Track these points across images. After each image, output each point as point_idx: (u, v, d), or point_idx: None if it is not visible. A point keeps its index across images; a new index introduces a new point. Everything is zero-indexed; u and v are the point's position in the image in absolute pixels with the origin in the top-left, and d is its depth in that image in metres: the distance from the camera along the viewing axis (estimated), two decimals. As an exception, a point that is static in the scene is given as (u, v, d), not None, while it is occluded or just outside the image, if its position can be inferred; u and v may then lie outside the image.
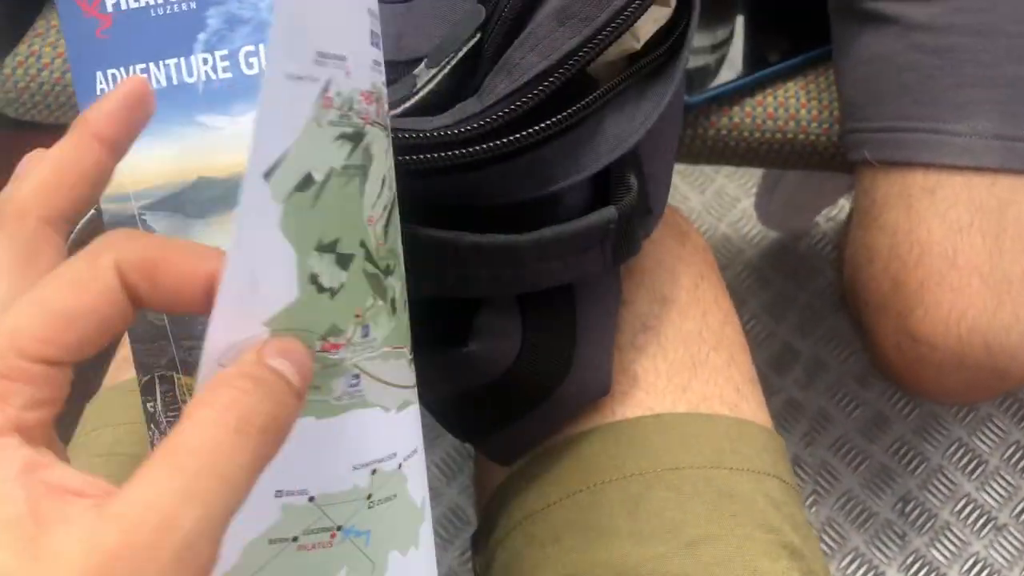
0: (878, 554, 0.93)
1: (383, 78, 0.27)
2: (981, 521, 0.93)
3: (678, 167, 0.85)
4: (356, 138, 0.25)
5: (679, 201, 1.09)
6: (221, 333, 0.23)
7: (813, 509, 0.94)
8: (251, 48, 0.31)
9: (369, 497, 0.27)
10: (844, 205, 1.06)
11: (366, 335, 0.26)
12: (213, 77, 0.31)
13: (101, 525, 0.18)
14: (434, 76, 0.34)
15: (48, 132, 0.59)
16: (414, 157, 0.31)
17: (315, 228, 0.24)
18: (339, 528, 0.27)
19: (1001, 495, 0.94)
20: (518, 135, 0.31)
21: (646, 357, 0.43)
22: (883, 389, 0.99)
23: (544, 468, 0.42)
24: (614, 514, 0.39)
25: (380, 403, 0.27)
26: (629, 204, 0.35)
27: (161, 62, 0.30)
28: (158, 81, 0.30)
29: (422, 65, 0.34)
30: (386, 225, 0.27)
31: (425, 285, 0.34)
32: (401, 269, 0.28)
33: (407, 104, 0.34)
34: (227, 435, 0.20)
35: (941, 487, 0.95)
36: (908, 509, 0.94)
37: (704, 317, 0.45)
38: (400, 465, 0.28)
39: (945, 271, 0.50)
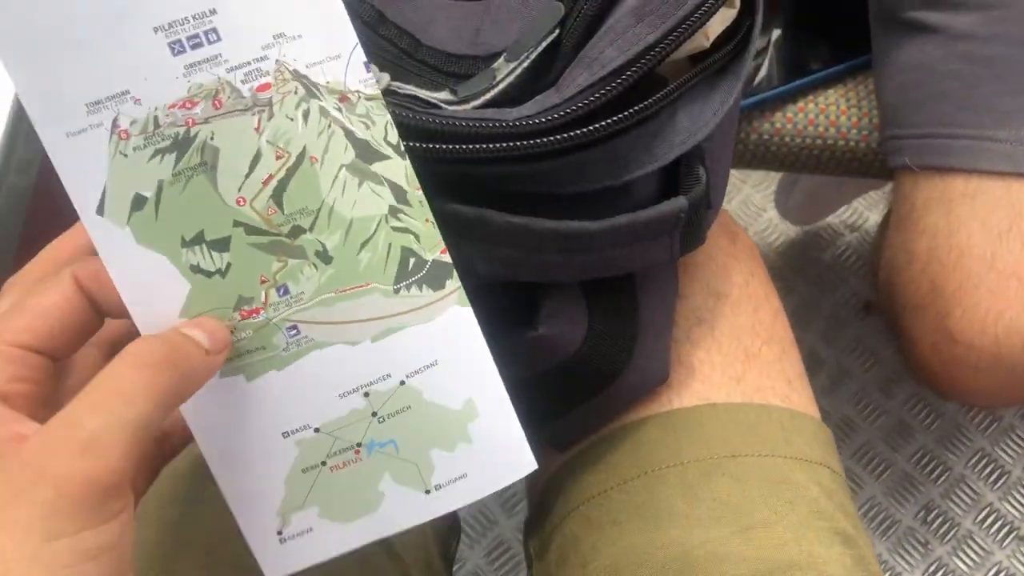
0: (901, 562, 0.93)
1: (223, 67, 0.30)
2: (1004, 531, 0.94)
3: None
4: (181, 145, 0.29)
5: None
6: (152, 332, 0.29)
7: (836, 516, 0.95)
8: None
9: (375, 414, 0.32)
10: (868, 216, 1.07)
11: (285, 293, 0.31)
12: None
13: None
14: (513, 69, 0.35)
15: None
16: (495, 145, 0.33)
17: (172, 231, 0.29)
18: (359, 444, 0.32)
19: (1024, 505, 0.95)
20: (598, 124, 0.33)
21: (701, 349, 0.44)
22: (906, 398, 1.00)
23: (601, 455, 0.43)
24: (672, 499, 0.40)
25: (341, 340, 0.31)
26: (698, 195, 0.36)
27: None
28: None
29: (501, 59, 0.36)
30: (279, 192, 0.30)
31: (498, 269, 0.36)
32: (330, 221, 0.31)
33: (487, 96, 0.35)
34: (125, 367, 0.26)
35: (964, 496, 0.96)
36: (931, 518, 0.95)
37: (756, 312, 0.46)
38: (403, 382, 0.32)
39: (983, 274, 0.51)
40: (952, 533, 0.94)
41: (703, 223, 0.38)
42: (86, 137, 0.28)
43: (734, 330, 0.45)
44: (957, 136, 0.52)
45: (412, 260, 0.32)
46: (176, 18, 0.29)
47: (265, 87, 0.30)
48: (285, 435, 0.32)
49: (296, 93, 0.30)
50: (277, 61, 0.30)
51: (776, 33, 0.63)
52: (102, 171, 0.29)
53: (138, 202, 0.29)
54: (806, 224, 1.08)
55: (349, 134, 0.31)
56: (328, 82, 0.31)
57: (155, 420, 0.26)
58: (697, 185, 0.36)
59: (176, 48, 0.29)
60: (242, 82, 0.30)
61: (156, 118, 0.29)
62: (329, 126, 0.31)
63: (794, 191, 0.99)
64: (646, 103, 0.33)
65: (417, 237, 0.32)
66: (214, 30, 0.29)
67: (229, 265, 0.30)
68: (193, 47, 0.29)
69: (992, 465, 0.97)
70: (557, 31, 0.35)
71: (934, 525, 0.95)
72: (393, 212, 0.31)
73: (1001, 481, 0.96)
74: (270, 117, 0.30)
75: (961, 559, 0.93)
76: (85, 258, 0.30)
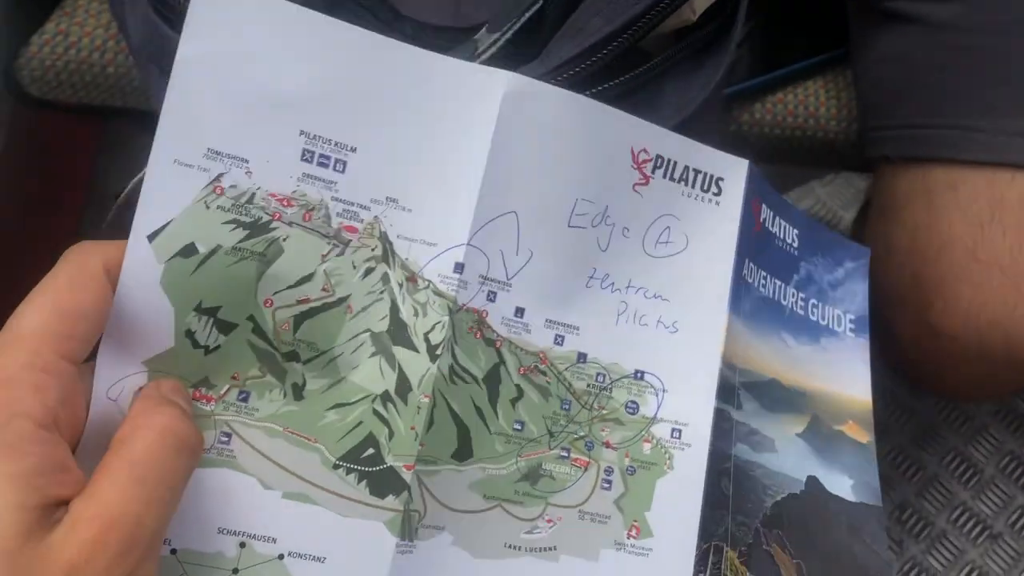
0: (876, 561, 0.93)
1: (330, 194, 0.31)
2: (977, 529, 0.94)
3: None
4: (256, 229, 0.30)
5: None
6: (107, 369, 0.28)
7: (812, 516, 0.95)
8: (814, 302, 0.43)
9: (235, 572, 0.29)
10: (843, 216, 1.07)
11: (244, 399, 0.30)
12: (797, 310, 0.42)
13: (80, 525, 0.23)
14: (496, 40, 0.34)
15: (71, 112, 0.58)
16: None
17: (196, 292, 0.29)
18: None
19: (996, 504, 0.96)
20: (584, 95, 0.32)
21: None
22: (878, 396, 1.00)
23: None
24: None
25: (258, 475, 0.30)
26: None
27: (771, 277, 0.40)
28: (767, 289, 0.40)
29: (483, 30, 0.35)
30: (303, 317, 0.31)
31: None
32: (325, 367, 0.31)
33: (468, 68, 0.34)
34: (169, 453, 0.25)
35: (937, 495, 0.96)
36: (905, 516, 0.95)
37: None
38: (283, 556, 0.30)
39: (966, 264, 0.51)
40: (926, 532, 0.94)
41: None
42: (188, 173, 0.29)
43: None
44: (938, 127, 0.52)
45: (370, 451, 0.31)
46: (322, 135, 0.30)
47: (352, 229, 0.31)
48: None
49: (373, 250, 0.31)
50: (376, 217, 0.31)
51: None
52: (179, 207, 0.29)
53: (188, 250, 0.29)
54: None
55: (394, 308, 0.32)
56: (407, 259, 0.32)
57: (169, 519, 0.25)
58: None
59: (306, 156, 0.30)
60: (337, 214, 0.31)
61: (254, 195, 0.30)
62: (381, 292, 0.31)
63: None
64: (632, 74, 0.33)
65: (390, 435, 0.31)
66: (344, 162, 0.31)
67: (219, 347, 0.30)
68: (319, 164, 0.30)
69: (965, 464, 0.97)
70: (541, 1, 0.34)
71: (908, 524, 0.95)
72: (384, 399, 0.31)
73: (974, 480, 0.97)
74: (339, 254, 0.31)
75: (935, 557, 0.93)
76: (110, 246, 0.28)
